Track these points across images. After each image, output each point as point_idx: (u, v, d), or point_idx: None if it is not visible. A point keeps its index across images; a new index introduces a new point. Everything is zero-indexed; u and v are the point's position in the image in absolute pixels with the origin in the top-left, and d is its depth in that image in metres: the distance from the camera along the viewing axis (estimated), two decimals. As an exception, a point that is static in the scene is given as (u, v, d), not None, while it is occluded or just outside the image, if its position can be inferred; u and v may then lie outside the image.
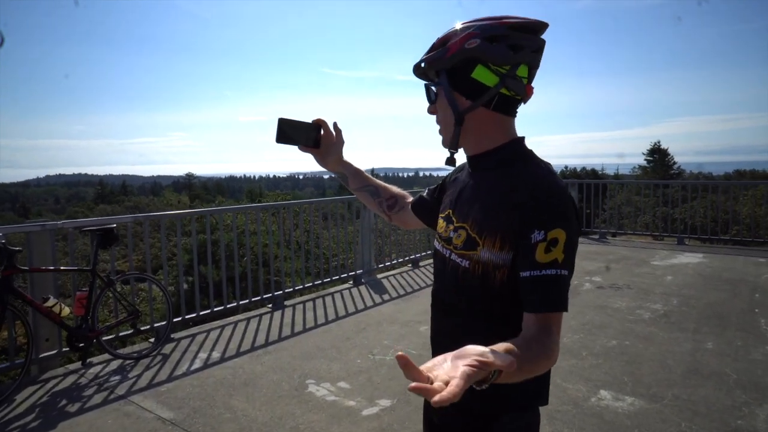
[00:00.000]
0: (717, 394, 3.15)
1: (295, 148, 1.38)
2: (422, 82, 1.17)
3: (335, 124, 1.40)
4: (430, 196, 1.35)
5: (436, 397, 0.62)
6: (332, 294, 5.72)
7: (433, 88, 1.14)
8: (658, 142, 36.21)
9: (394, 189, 1.51)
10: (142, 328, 4.23)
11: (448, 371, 0.68)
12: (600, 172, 42.44)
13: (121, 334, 4.18)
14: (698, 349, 3.88)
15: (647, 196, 12.13)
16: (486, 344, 0.75)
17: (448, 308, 1.16)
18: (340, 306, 5.28)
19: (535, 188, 1.01)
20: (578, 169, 42.09)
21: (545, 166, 1.08)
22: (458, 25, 1.07)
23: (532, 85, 1.09)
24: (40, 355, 3.68)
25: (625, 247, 8.39)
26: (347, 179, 1.48)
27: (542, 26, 1.05)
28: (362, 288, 6.00)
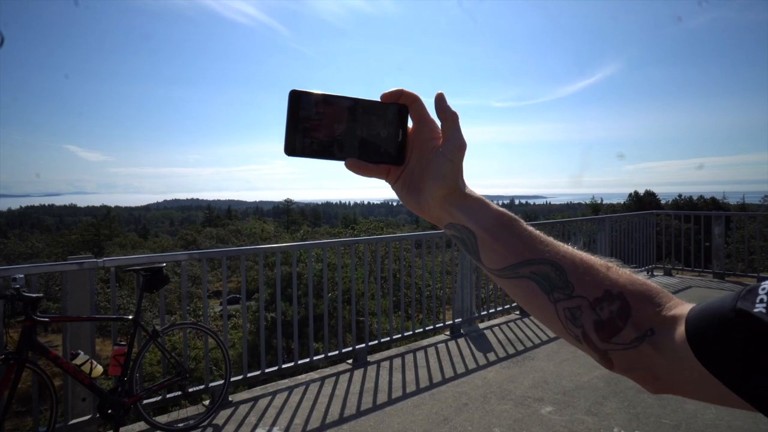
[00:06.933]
0: None
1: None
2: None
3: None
4: None
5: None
6: (425, 348, 4.71)
7: None
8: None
9: (621, 272, 0.51)
10: (192, 390, 3.48)
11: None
12: (721, 201, 37.55)
13: (168, 395, 3.46)
14: None
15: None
16: None
17: None
18: (435, 366, 4.25)
19: None
20: (695, 198, 37.53)
21: None
22: None
23: None
24: (71, 422, 3.04)
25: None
26: (474, 237, 0.56)
27: None
28: (461, 341, 4.92)
